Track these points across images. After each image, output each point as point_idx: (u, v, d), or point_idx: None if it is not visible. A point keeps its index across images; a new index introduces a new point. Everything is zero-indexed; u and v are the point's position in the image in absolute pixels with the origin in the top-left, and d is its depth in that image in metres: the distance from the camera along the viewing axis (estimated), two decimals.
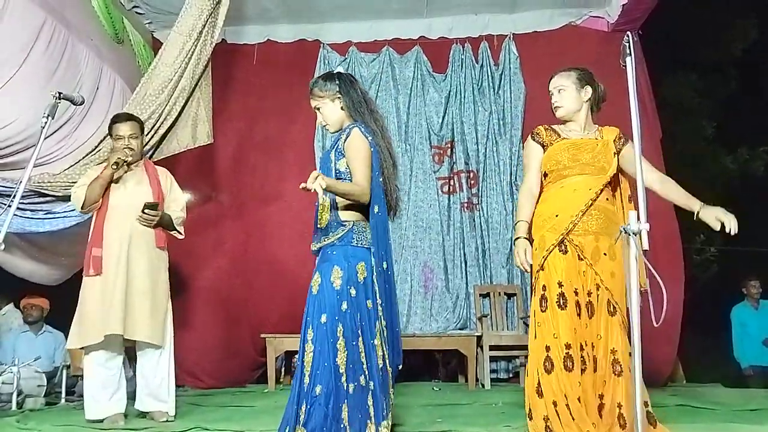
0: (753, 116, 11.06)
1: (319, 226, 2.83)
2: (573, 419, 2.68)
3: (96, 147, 4.33)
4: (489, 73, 6.07)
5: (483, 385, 5.16)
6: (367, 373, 2.66)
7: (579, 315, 2.78)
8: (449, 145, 6.03)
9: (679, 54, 10.34)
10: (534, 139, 3.08)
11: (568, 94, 3.02)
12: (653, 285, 2.29)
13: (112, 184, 3.71)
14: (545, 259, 2.85)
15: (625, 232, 2.32)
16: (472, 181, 5.94)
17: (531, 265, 2.92)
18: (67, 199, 4.31)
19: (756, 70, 10.99)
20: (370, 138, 2.78)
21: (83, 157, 4.32)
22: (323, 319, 2.65)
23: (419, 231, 5.86)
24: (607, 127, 3.07)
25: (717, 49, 10.73)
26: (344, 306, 2.67)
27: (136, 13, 5.77)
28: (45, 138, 2.94)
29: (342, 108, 2.87)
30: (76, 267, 5.05)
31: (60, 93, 3.01)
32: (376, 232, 2.75)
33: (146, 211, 3.62)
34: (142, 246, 3.67)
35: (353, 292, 2.70)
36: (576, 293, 2.79)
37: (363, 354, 2.67)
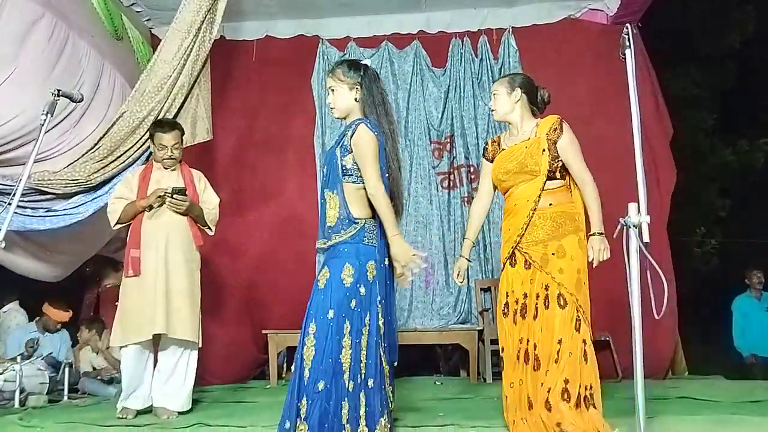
0: (752, 108, 11.05)
1: (328, 223, 2.83)
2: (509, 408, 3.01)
3: (96, 144, 4.33)
4: (488, 67, 6.04)
5: (485, 380, 5.16)
6: (364, 371, 2.67)
7: (515, 322, 3.01)
8: (449, 140, 6.02)
9: (679, 46, 10.31)
10: (484, 156, 3.32)
11: (499, 98, 3.16)
12: (653, 278, 2.28)
13: (150, 186, 3.80)
14: (501, 271, 3.14)
15: (625, 225, 2.31)
16: (473, 176, 5.92)
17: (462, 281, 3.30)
18: (67, 196, 4.32)
19: (755, 62, 10.95)
20: (376, 133, 2.78)
21: (83, 154, 4.32)
22: (330, 315, 2.64)
23: (419, 227, 5.84)
24: (546, 118, 3.13)
25: (716, 42, 10.70)
26: (353, 304, 2.67)
27: (134, 9, 5.74)
28: (44, 135, 2.95)
29: (356, 99, 2.85)
30: (76, 265, 5.06)
31: (59, 90, 3.01)
32: (381, 229, 2.76)
33: (175, 196, 3.67)
34: (180, 246, 3.75)
35: (363, 290, 2.70)
36: (516, 302, 3.02)
37: (365, 352, 2.68)
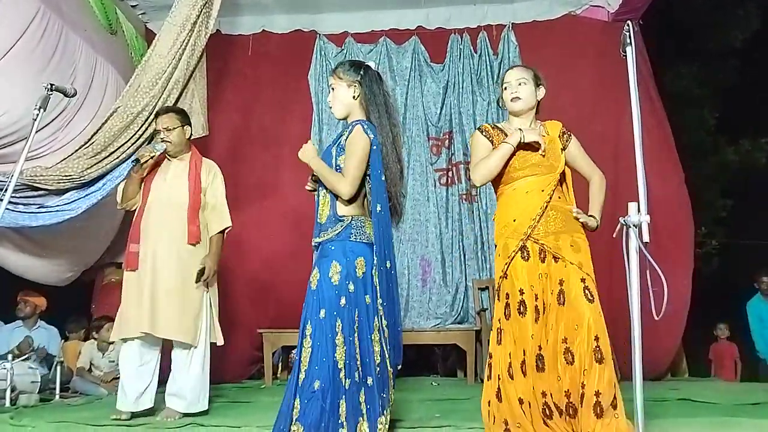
0: (754, 107, 10.99)
1: (319, 221, 2.83)
2: (532, 423, 2.71)
3: (89, 139, 4.28)
4: (488, 63, 6.00)
5: (482, 380, 5.10)
6: (361, 369, 2.66)
7: (537, 320, 2.76)
8: (447, 137, 5.98)
9: (680, 44, 10.27)
10: (483, 134, 3.05)
11: (528, 88, 2.96)
12: (654, 278, 2.24)
13: (155, 178, 3.74)
14: (507, 266, 2.85)
15: (625, 224, 2.28)
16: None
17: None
18: (60, 192, 4.27)
19: (757, 60, 10.90)
20: (372, 136, 2.75)
21: (76, 150, 4.27)
22: (322, 314, 2.65)
23: (417, 224, 5.80)
24: (549, 121, 3.05)
25: (718, 39, 10.65)
26: (342, 301, 2.67)
27: (129, 3, 5.71)
28: (37, 130, 2.92)
29: (354, 97, 2.84)
30: (82, 267, 5.01)
31: (52, 85, 2.97)
32: (379, 231, 2.74)
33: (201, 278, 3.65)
34: (172, 242, 3.65)
35: (351, 287, 2.70)
36: (536, 298, 2.78)
37: (359, 350, 2.67)
